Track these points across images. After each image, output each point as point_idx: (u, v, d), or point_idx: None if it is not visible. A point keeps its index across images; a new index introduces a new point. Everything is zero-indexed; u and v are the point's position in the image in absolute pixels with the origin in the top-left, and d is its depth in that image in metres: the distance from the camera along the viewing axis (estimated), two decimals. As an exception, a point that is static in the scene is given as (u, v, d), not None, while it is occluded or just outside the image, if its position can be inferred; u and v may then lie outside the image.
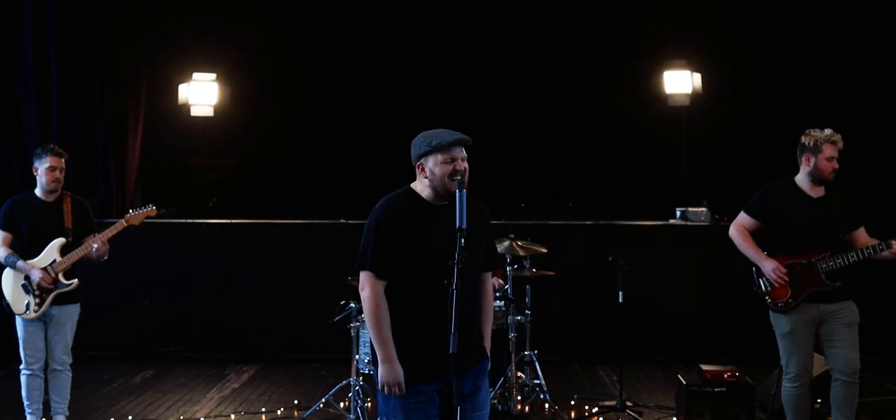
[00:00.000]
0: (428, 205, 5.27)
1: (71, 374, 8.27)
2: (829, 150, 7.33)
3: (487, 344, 5.50)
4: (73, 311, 8.17)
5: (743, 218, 7.66)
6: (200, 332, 12.06)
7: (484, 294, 5.50)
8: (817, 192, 7.44)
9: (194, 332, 12.06)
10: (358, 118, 14.61)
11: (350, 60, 14.62)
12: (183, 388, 10.30)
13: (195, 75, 13.66)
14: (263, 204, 13.88)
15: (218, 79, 13.79)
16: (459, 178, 5.17)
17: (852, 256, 7.30)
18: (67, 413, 8.31)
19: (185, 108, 13.70)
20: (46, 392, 8.32)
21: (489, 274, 5.58)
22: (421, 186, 5.32)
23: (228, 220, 12.60)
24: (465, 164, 5.23)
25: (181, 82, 13.75)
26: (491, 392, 5.58)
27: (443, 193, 5.21)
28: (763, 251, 7.53)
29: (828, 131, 7.38)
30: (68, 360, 8.21)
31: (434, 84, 14.30)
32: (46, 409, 8.34)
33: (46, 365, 8.25)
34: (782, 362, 7.59)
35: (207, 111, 13.73)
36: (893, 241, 7.23)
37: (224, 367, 11.26)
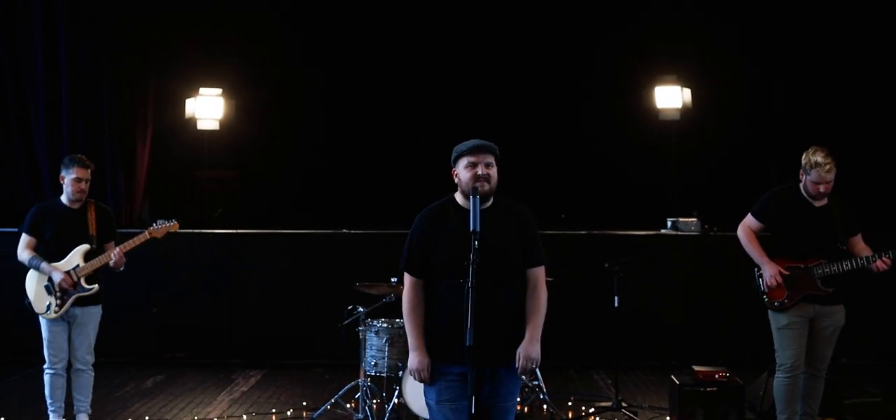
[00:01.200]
0: (462, 209, 5.68)
1: (93, 374, 8.55)
2: (815, 176, 7.68)
3: (536, 335, 5.74)
4: (96, 312, 8.45)
5: (749, 220, 8.04)
6: (207, 339, 12.28)
7: (531, 288, 5.77)
8: (820, 202, 7.80)
9: (201, 339, 12.28)
10: (358, 132, 14.81)
11: (349, 77, 14.80)
12: (193, 392, 10.56)
13: (202, 90, 13.87)
14: (266, 215, 14.06)
15: (224, 93, 13.99)
16: (476, 185, 5.55)
17: (847, 265, 7.68)
18: (90, 411, 8.59)
19: (192, 121, 13.90)
20: (68, 391, 8.56)
21: (538, 269, 5.81)
22: (459, 194, 5.76)
23: (233, 230, 12.83)
24: (489, 170, 5.62)
25: (188, 97, 13.94)
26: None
27: (467, 196, 5.61)
28: (766, 253, 7.91)
29: (819, 157, 7.68)
30: (91, 359, 8.48)
31: (431, 101, 14.53)
32: (67, 409, 8.56)
33: (69, 365, 8.50)
34: (776, 354, 7.97)
35: (213, 125, 13.95)
36: (877, 259, 7.62)
37: (231, 372, 11.55)
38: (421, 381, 5.72)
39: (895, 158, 13.45)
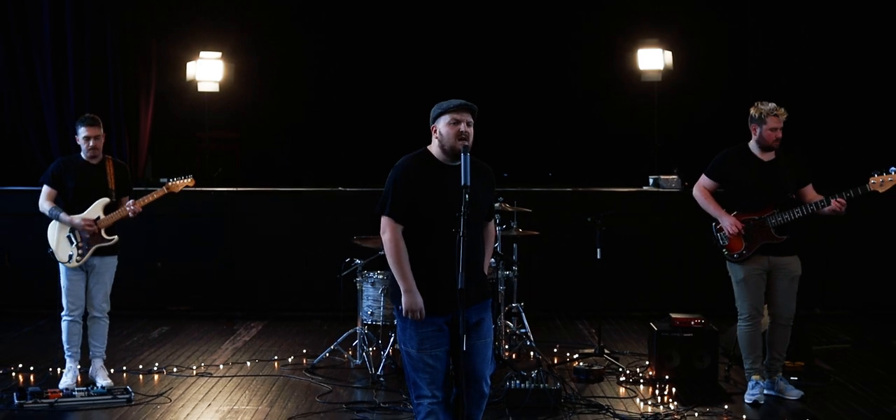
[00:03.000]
0: (439, 164, 6.06)
1: (108, 322, 8.99)
2: (772, 122, 8.17)
3: (487, 269, 6.36)
4: (112, 262, 8.88)
5: (703, 180, 8.55)
6: (209, 292, 12.66)
7: (487, 236, 6.34)
8: (768, 156, 8.29)
9: (204, 292, 12.66)
10: (352, 94, 15.07)
11: (343, 43, 15.05)
12: (198, 341, 10.98)
13: (202, 54, 14.05)
14: (264, 174, 14.37)
15: (223, 57, 14.16)
16: (465, 141, 5.95)
17: (798, 212, 8.14)
18: (104, 356, 9.03)
19: (193, 84, 14.10)
20: (84, 338, 9.00)
21: (492, 221, 6.40)
22: (435, 148, 6.09)
23: (233, 189, 13.14)
24: (470, 129, 6.00)
25: (189, 60, 14.12)
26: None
27: (450, 153, 5.99)
28: (723, 208, 8.40)
29: (772, 105, 8.22)
30: (107, 307, 8.93)
31: (422, 63, 14.76)
32: (83, 355, 9.02)
33: (85, 314, 8.93)
34: (737, 305, 8.47)
35: (213, 87, 14.11)
36: (833, 199, 8.02)
37: (233, 324, 11.93)
38: (415, 319, 5.99)
39: (857, 119, 13.82)
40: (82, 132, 8.74)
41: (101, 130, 8.81)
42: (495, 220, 7.39)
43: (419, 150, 6.20)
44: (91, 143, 8.73)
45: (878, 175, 7.95)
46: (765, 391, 8.52)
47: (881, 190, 7.97)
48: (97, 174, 8.81)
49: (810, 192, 8.34)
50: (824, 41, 13.97)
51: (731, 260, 8.44)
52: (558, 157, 14.93)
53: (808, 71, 13.95)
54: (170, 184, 9.08)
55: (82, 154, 8.81)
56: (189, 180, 9.18)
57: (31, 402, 8.18)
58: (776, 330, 8.50)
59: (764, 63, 14.20)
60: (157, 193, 8.99)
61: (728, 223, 8.30)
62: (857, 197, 8.05)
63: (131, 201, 8.74)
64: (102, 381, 8.87)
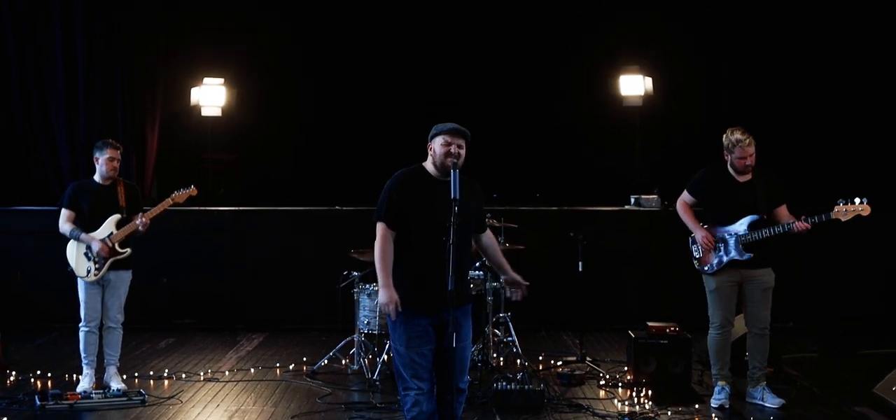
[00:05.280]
0: (431, 178, 6.68)
1: (122, 332, 9.56)
2: (739, 151, 8.57)
3: (507, 266, 7.04)
4: (127, 276, 9.46)
5: (685, 195, 9.00)
6: (212, 305, 13.11)
7: (490, 243, 7.03)
8: (744, 177, 8.70)
9: (207, 305, 13.11)
10: (347, 116, 15.42)
11: (339, 69, 15.42)
12: (203, 351, 11.53)
13: (205, 80, 14.43)
14: (264, 194, 14.66)
15: (225, 83, 14.54)
16: (454, 160, 6.55)
17: (766, 232, 8.53)
18: (118, 364, 9.60)
19: (197, 108, 14.49)
20: (100, 347, 9.54)
21: (487, 231, 7.05)
22: (429, 164, 6.71)
23: (235, 208, 13.56)
24: (461, 150, 6.59)
25: (193, 86, 14.53)
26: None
27: (441, 170, 6.60)
28: (699, 223, 8.86)
29: (738, 135, 8.58)
30: (121, 318, 9.49)
31: (415, 89, 15.07)
32: (98, 363, 9.56)
33: (101, 325, 9.49)
34: (709, 314, 8.93)
35: (216, 111, 14.48)
36: (797, 221, 8.41)
37: (236, 335, 12.47)
38: (388, 313, 6.51)
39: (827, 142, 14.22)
40: (106, 154, 9.33)
41: (120, 153, 9.44)
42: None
43: (414, 165, 6.79)
44: (114, 164, 9.35)
45: (844, 204, 8.31)
46: (751, 400, 8.95)
47: (844, 218, 8.31)
48: (109, 195, 9.39)
49: (784, 212, 8.70)
50: (795, 68, 14.41)
51: (704, 272, 8.88)
52: (545, 178, 15.23)
53: (780, 97, 14.39)
54: (175, 194, 9.58)
55: (96, 177, 9.41)
56: (191, 190, 9.67)
57: (51, 403, 8.75)
58: (752, 339, 8.90)
59: (738, 89, 14.59)
60: (163, 205, 9.50)
61: (700, 237, 8.75)
62: (821, 223, 8.40)
63: (141, 216, 9.30)
64: (117, 385, 9.39)
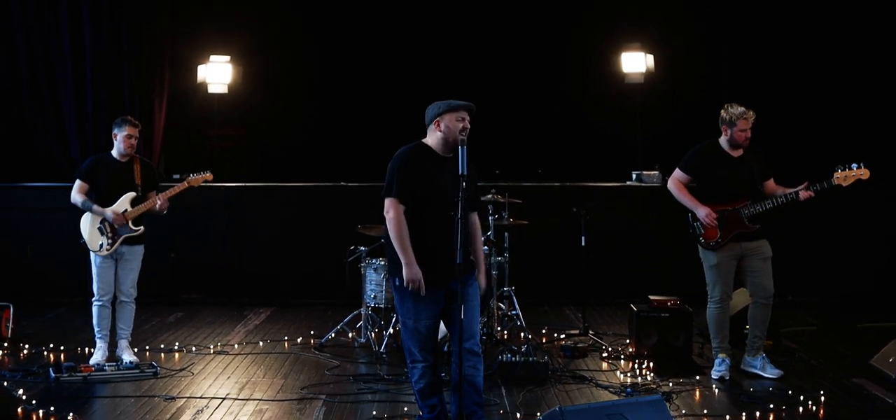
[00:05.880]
0: (437, 155, 6.88)
1: (135, 306, 9.74)
2: (741, 124, 8.75)
3: (482, 263, 7.11)
4: (139, 251, 9.62)
5: (677, 173, 9.13)
6: (219, 281, 13.29)
7: (474, 230, 7.11)
8: (737, 153, 8.88)
9: (214, 281, 13.30)
10: (352, 93, 15.46)
11: (344, 45, 15.46)
12: (212, 325, 11.71)
13: (212, 57, 14.58)
14: (270, 170, 14.86)
15: (232, 60, 14.68)
16: (462, 136, 6.73)
17: (769, 203, 8.74)
18: (130, 338, 9.77)
19: (203, 85, 14.65)
20: (113, 321, 9.73)
21: (476, 214, 7.16)
22: (432, 141, 6.89)
23: (241, 184, 13.69)
24: (469, 126, 6.81)
25: (200, 63, 14.67)
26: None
27: (452, 145, 6.77)
28: (698, 200, 8.99)
29: (741, 109, 8.76)
30: (134, 293, 9.65)
31: (419, 67, 15.08)
32: (111, 336, 9.75)
33: (114, 299, 9.67)
34: (708, 289, 9.13)
35: (222, 89, 14.65)
36: (801, 189, 8.59)
37: (243, 310, 12.63)
38: (415, 290, 6.70)
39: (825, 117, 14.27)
40: (125, 131, 9.47)
41: (138, 131, 9.59)
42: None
43: (415, 142, 6.97)
44: (132, 141, 9.50)
45: (842, 170, 8.51)
46: (750, 368, 9.18)
47: (844, 184, 8.52)
48: (126, 171, 9.53)
49: (771, 185, 8.94)
50: (795, 45, 14.48)
51: (707, 247, 9.02)
52: (548, 154, 15.32)
53: (781, 72, 14.46)
54: (191, 178, 9.79)
55: (114, 152, 9.54)
56: (208, 174, 9.92)
57: (66, 376, 8.95)
58: (756, 308, 9.08)
59: (739, 66, 14.66)
60: (179, 187, 9.70)
61: (703, 214, 8.89)
62: (824, 190, 8.58)
63: (159, 196, 9.47)
64: (129, 357, 9.57)
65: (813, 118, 14.24)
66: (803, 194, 8.62)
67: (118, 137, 9.51)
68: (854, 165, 8.51)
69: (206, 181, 9.95)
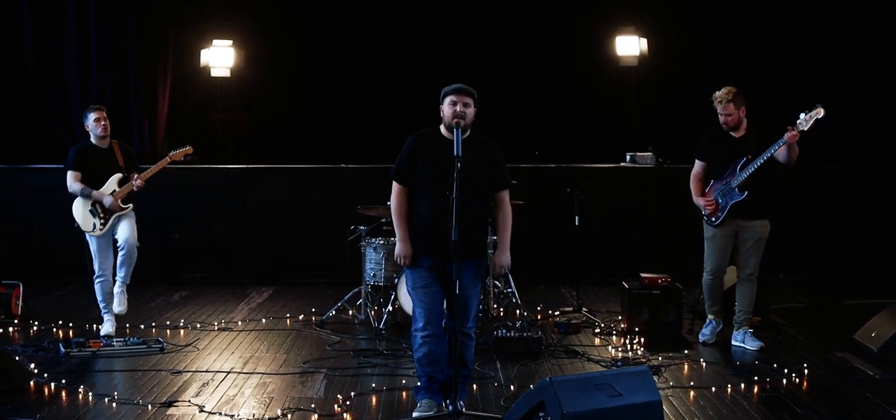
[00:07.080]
0: (442, 138, 7.18)
1: (137, 256, 10.03)
2: (720, 109, 9.14)
3: (505, 245, 7.37)
4: (131, 214, 10.02)
5: (696, 165, 9.50)
6: (222, 260, 13.55)
7: (498, 207, 7.35)
8: (738, 133, 9.20)
9: (217, 261, 13.56)
10: (352, 77, 15.64)
11: (346, 29, 15.65)
12: (216, 303, 11.94)
13: (215, 41, 14.70)
14: (272, 152, 15.07)
15: (234, 44, 14.79)
16: (459, 118, 7.02)
17: (756, 163, 8.96)
18: (128, 282, 10.11)
19: (206, 69, 14.75)
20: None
21: (503, 192, 7.37)
22: (443, 126, 7.21)
23: (244, 166, 13.92)
24: (466, 109, 7.06)
25: (203, 48, 14.78)
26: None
27: (450, 129, 7.08)
28: (700, 190, 9.37)
29: (718, 94, 9.13)
30: (136, 244, 9.98)
31: (418, 50, 15.29)
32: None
33: (114, 272, 10.03)
34: (704, 259, 9.48)
35: (225, 72, 14.74)
36: (786, 135, 8.71)
37: (245, 289, 12.87)
38: (404, 264, 7.20)
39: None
40: (93, 115, 9.90)
41: (105, 113, 9.94)
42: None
43: (429, 127, 7.30)
44: (102, 123, 9.87)
45: (806, 113, 8.74)
46: (734, 342, 9.55)
47: (805, 128, 8.70)
48: (108, 156, 9.97)
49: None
50: (789, 26, 14.71)
51: (709, 223, 9.40)
52: (543, 136, 15.49)
53: (775, 55, 14.68)
54: (172, 153, 10.22)
55: (93, 140, 9.95)
56: (187, 148, 10.32)
57: (75, 350, 9.25)
58: (740, 284, 9.47)
59: (733, 49, 14.84)
60: (161, 164, 10.13)
61: (702, 204, 9.34)
62: (804, 132, 8.71)
63: (137, 176, 9.88)
64: (119, 306, 10.05)
65: (807, 101, 14.27)
66: (789, 137, 8.76)
67: (90, 125, 9.91)
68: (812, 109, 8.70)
69: (187, 154, 10.35)
